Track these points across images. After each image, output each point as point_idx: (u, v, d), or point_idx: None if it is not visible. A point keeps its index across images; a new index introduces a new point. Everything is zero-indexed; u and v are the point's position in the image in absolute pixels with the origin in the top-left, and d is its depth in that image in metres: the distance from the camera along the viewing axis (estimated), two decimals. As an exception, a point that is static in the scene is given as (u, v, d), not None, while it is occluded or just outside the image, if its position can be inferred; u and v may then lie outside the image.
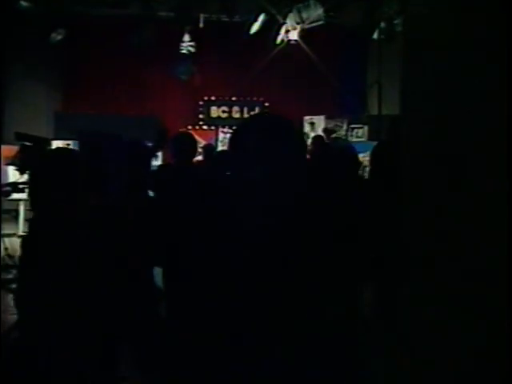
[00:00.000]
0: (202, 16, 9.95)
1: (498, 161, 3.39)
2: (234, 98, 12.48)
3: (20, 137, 6.84)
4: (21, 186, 6.68)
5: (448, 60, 3.90)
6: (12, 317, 4.90)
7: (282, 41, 10.65)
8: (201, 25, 10.00)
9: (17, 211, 9.71)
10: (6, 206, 9.37)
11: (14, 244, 7.54)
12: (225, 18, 10.75)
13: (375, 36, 9.87)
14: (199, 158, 7.15)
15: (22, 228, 9.43)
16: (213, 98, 12.40)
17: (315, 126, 12.33)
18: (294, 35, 10.32)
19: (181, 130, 12.09)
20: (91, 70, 11.42)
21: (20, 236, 9.07)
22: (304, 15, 8.83)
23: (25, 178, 6.72)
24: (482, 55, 3.60)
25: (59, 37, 10.03)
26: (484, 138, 3.59)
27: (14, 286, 6.07)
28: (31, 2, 8.83)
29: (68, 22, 10.12)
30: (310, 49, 11.23)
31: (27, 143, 6.73)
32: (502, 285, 3.06)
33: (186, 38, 10.48)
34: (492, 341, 2.96)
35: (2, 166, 8.99)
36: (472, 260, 3.33)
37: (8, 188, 6.78)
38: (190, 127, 12.13)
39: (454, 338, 3.27)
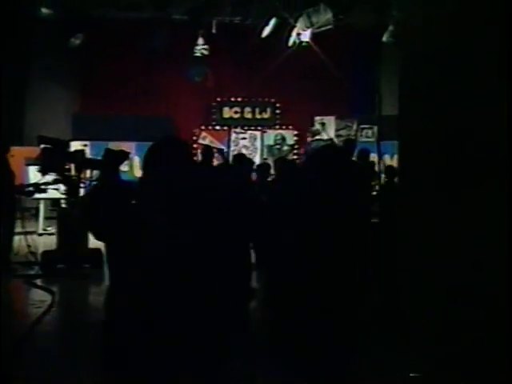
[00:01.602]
0: (214, 22, 10.20)
1: (496, 162, 3.61)
2: (246, 99, 12.74)
3: (42, 140, 7.21)
4: (42, 187, 7.02)
5: (442, 63, 4.14)
6: (37, 310, 5.25)
7: (294, 43, 10.86)
8: (213, 30, 10.26)
9: (37, 209, 10.02)
10: (27, 204, 9.73)
11: (35, 241, 7.80)
12: (237, 21, 11.01)
13: (384, 38, 10.07)
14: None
15: (41, 226, 9.76)
16: (225, 99, 12.67)
17: (326, 127, 12.58)
18: (305, 37, 10.52)
19: (194, 130, 12.43)
20: (107, 72, 11.74)
21: (40, 234, 9.43)
22: (314, 19, 9.04)
23: (46, 178, 7.09)
24: (476, 59, 3.84)
25: (77, 41, 10.37)
26: (481, 138, 3.81)
27: (36, 281, 6.42)
28: (51, 9, 9.16)
29: (85, 27, 10.43)
30: (321, 50, 11.46)
31: (49, 146, 7.09)
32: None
33: (200, 41, 10.74)
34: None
35: (23, 167, 9.35)
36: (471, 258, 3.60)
37: (31, 188, 7.11)
38: (203, 127, 12.44)
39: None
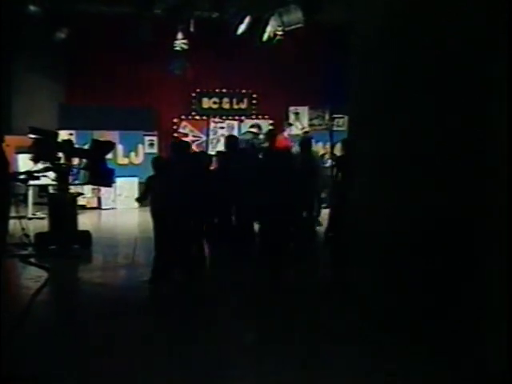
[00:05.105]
0: (192, 20, 10.73)
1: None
2: (224, 90, 13.39)
3: (33, 131, 7.80)
4: (35, 175, 7.63)
5: (389, 61, 4.75)
6: (35, 284, 5.92)
7: (269, 37, 11.45)
8: (191, 28, 10.79)
9: (25, 195, 10.55)
10: (15, 190, 10.25)
11: (27, 224, 8.34)
12: (215, 15, 11.52)
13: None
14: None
15: (31, 211, 10.32)
16: (204, 91, 13.30)
17: (299, 116, 13.31)
18: (279, 31, 11.09)
19: (175, 120, 13.05)
20: (92, 65, 12.23)
21: (30, 218, 10.02)
22: (285, 19, 9.62)
23: (39, 167, 7.69)
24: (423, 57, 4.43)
25: (63, 35, 10.84)
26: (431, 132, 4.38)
27: (31, 260, 7.07)
28: (39, 7, 9.65)
29: (70, 21, 10.91)
30: (295, 44, 12.08)
31: (39, 136, 7.69)
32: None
33: (180, 35, 11.26)
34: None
35: (13, 155, 9.89)
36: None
37: (24, 176, 7.70)
38: (183, 117, 13.07)
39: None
